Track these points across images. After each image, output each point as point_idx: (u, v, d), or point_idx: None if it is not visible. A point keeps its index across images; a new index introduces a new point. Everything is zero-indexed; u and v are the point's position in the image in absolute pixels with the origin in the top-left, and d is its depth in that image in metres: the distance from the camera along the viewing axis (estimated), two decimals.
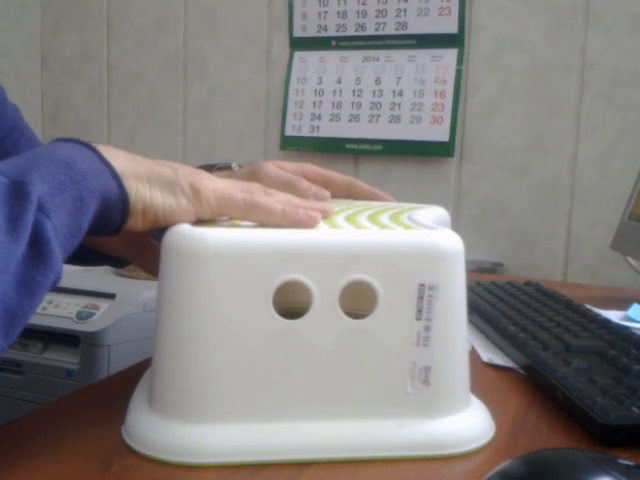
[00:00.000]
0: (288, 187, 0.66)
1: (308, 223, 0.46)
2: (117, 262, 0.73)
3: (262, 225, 0.47)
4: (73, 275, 1.22)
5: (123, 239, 0.54)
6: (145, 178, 0.45)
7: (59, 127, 2.01)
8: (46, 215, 0.39)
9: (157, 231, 0.55)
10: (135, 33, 1.91)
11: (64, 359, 1.22)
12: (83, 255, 0.72)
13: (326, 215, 0.51)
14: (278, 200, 0.48)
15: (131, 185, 0.44)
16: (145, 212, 0.45)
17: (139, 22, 1.90)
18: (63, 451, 0.43)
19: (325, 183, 0.70)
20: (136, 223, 0.45)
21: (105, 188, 0.42)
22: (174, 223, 0.45)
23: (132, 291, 1.25)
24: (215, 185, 0.47)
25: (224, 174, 0.70)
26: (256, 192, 0.48)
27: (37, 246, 0.38)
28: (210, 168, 0.70)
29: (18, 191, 0.38)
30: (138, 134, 1.92)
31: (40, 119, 2.03)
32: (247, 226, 0.45)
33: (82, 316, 1.20)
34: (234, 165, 0.71)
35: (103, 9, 1.94)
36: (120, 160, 0.44)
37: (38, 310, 1.29)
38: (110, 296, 1.24)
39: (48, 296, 1.25)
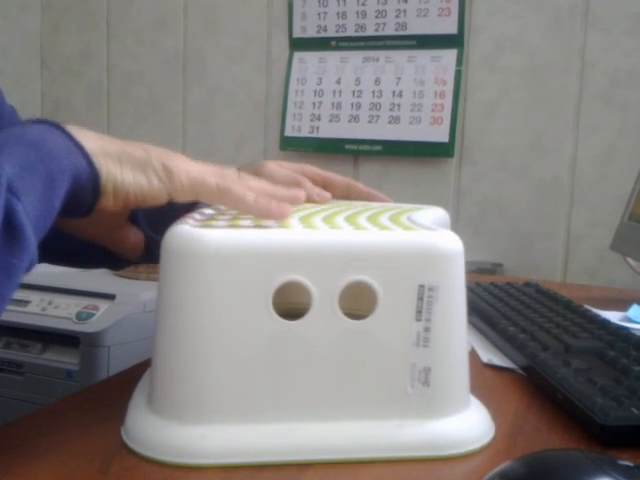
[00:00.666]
0: (293, 187, 0.66)
1: (278, 215, 0.46)
2: (115, 264, 0.73)
3: (237, 212, 0.47)
4: (73, 276, 1.22)
5: (99, 222, 0.53)
6: (116, 157, 0.44)
7: None
8: (16, 197, 0.38)
9: (132, 213, 0.55)
10: (135, 33, 1.91)
11: (64, 360, 1.21)
12: (79, 255, 0.72)
13: (296, 202, 0.51)
14: (251, 187, 0.48)
15: (101, 164, 0.43)
16: (116, 192, 0.44)
17: (139, 22, 1.90)
18: (63, 452, 0.43)
19: (324, 184, 0.70)
20: (108, 203, 0.44)
21: (75, 167, 0.42)
22: (146, 203, 0.45)
23: (132, 292, 1.25)
24: (189, 167, 0.47)
25: None
26: (230, 178, 0.48)
27: (10, 229, 0.37)
28: None
29: None
30: (137, 134, 1.92)
31: None
32: (247, 227, 0.45)
33: (82, 317, 1.20)
34: (234, 168, 0.71)
35: (103, 9, 1.94)
36: (90, 140, 0.44)
37: (38, 311, 1.30)
38: (110, 297, 1.24)
39: (48, 297, 1.25)
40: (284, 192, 0.51)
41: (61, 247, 0.66)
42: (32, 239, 0.38)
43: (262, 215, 0.47)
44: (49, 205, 0.40)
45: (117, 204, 0.45)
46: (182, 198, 0.46)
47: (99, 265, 0.78)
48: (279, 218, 0.46)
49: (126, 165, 0.45)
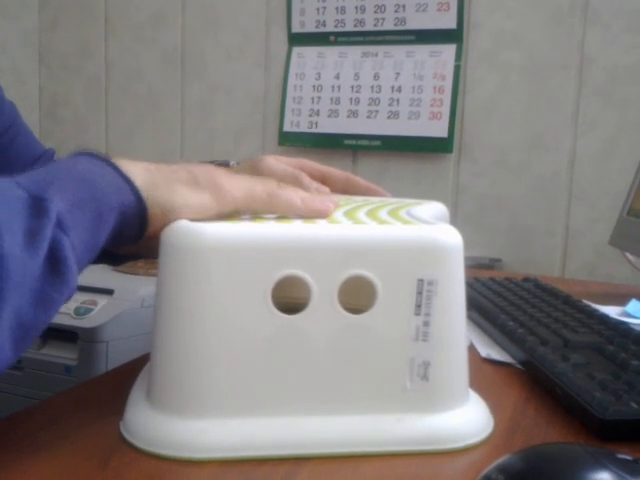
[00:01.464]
0: (291, 182, 0.66)
1: (325, 213, 0.49)
2: (114, 260, 0.73)
3: (282, 216, 0.48)
4: None
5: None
6: (164, 183, 0.45)
7: (57, 123, 2.00)
8: (64, 232, 0.39)
9: None
10: (133, 30, 1.90)
11: (62, 355, 1.21)
12: None
13: (336, 206, 0.52)
14: (294, 192, 0.50)
15: (149, 196, 0.44)
16: (165, 215, 0.44)
17: (137, 19, 1.89)
18: (61, 447, 0.43)
19: (323, 178, 0.70)
20: (157, 229, 0.45)
21: (124, 204, 0.43)
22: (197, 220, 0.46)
23: (130, 287, 1.25)
24: (236, 180, 0.48)
25: None
26: (273, 185, 0.49)
27: (54, 263, 0.38)
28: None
29: (37, 206, 0.38)
30: (136, 131, 1.92)
31: (38, 115, 2.02)
32: (245, 220, 0.45)
33: (80, 312, 1.20)
34: (232, 162, 0.71)
35: (101, 5, 1.93)
36: (138, 173, 0.44)
37: None
38: (108, 292, 1.24)
39: None
40: (320, 196, 0.53)
41: None
42: (74, 274, 0.39)
43: (311, 215, 0.48)
44: (95, 240, 0.41)
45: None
46: (233, 210, 0.47)
47: (98, 261, 0.78)
48: (326, 216, 0.49)
49: (176, 188, 0.45)
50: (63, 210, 0.39)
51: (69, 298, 0.40)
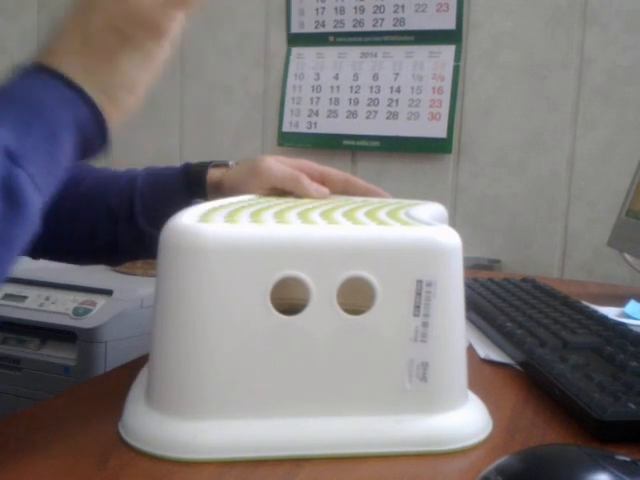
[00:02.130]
0: (292, 182, 0.66)
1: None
2: (112, 260, 0.73)
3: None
4: (70, 271, 1.22)
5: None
6: (106, 61, 0.43)
7: None
8: (17, 164, 0.36)
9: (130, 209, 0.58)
10: None
11: (61, 355, 1.21)
12: (76, 253, 0.71)
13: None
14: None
15: (102, 99, 0.42)
16: (130, 99, 0.43)
17: None
18: (60, 447, 0.43)
19: (322, 179, 0.70)
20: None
21: (77, 116, 0.40)
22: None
23: (129, 287, 1.25)
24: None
25: (221, 171, 0.70)
26: None
27: (12, 198, 0.36)
28: (206, 165, 0.70)
29: None
30: (135, 130, 1.92)
31: None
32: (245, 222, 0.45)
33: (79, 312, 1.20)
34: (231, 163, 0.71)
35: None
36: (77, 70, 0.42)
37: (35, 306, 1.29)
38: (107, 292, 1.24)
39: (45, 292, 1.25)
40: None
41: (57, 245, 0.66)
42: (35, 206, 0.37)
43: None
44: (54, 161, 0.39)
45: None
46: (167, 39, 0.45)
47: (96, 262, 0.78)
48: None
49: (118, 61, 0.43)
50: (10, 139, 0.37)
51: (33, 231, 0.38)
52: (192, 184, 0.68)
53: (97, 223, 0.67)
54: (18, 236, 0.37)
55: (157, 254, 0.44)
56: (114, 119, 0.43)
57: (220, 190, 0.68)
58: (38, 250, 0.43)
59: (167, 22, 0.45)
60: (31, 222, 0.38)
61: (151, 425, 0.43)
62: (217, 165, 0.70)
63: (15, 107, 0.39)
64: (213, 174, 0.69)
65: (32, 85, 0.40)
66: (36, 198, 0.38)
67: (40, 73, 0.42)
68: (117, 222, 0.67)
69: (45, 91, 0.40)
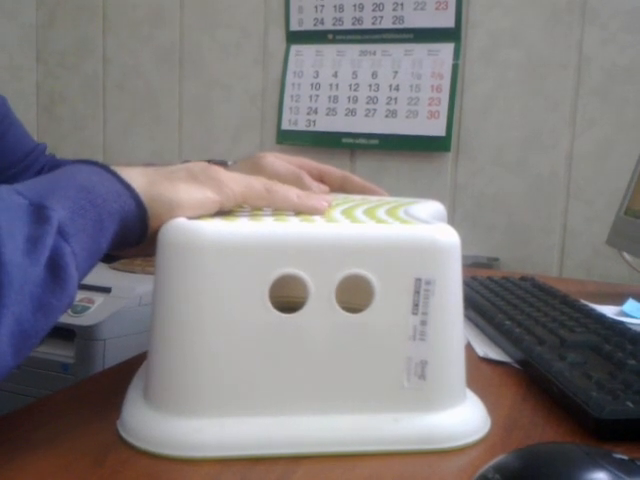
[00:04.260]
0: (293, 179, 0.66)
1: (320, 210, 0.49)
2: (108, 257, 0.73)
3: (279, 215, 0.48)
4: None
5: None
6: (165, 181, 0.46)
7: (54, 121, 2.00)
8: (65, 240, 0.39)
9: None
10: (131, 27, 1.90)
11: (59, 353, 1.21)
12: None
13: (329, 205, 0.53)
14: (290, 189, 0.51)
15: (151, 195, 0.44)
16: (170, 211, 0.45)
17: (135, 15, 1.89)
18: (58, 445, 0.43)
19: (320, 177, 0.70)
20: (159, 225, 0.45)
21: (124, 209, 0.43)
22: (199, 215, 0.46)
23: (127, 285, 1.25)
24: (233, 176, 0.49)
25: None
26: (269, 182, 0.50)
27: (55, 270, 0.39)
28: None
29: (38, 214, 0.39)
30: (133, 128, 1.92)
31: (35, 112, 2.02)
32: (243, 220, 0.45)
33: (77, 310, 1.20)
34: (230, 162, 0.71)
35: (99, 2, 1.93)
36: (136, 176, 0.45)
37: None
38: (105, 290, 1.24)
39: None
40: (313, 194, 0.54)
41: None
42: (75, 281, 0.40)
43: (306, 210, 0.49)
44: (96, 246, 0.42)
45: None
46: (232, 204, 0.48)
47: None
48: (321, 213, 0.49)
49: (177, 184, 0.46)
50: (64, 217, 0.39)
51: (69, 305, 0.41)
52: None
53: None
54: (57, 307, 0.39)
55: (155, 252, 0.44)
56: (154, 224, 0.45)
57: None
58: None
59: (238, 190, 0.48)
60: (68, 296, 0.40)
61: (149, 423, 0.43)
62: (216, 163, 0.70)
63: (74, 191, 0.41)
64: None
65: (89, 174, 0.44)
66: (75, 275, 0.40)
67: (96, 167, 0.45)
68: None
69: (100, 183, 0.43)
